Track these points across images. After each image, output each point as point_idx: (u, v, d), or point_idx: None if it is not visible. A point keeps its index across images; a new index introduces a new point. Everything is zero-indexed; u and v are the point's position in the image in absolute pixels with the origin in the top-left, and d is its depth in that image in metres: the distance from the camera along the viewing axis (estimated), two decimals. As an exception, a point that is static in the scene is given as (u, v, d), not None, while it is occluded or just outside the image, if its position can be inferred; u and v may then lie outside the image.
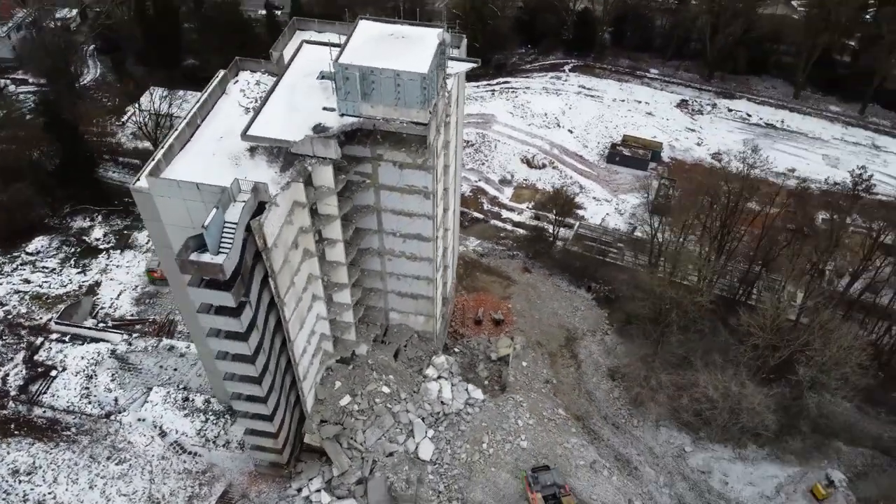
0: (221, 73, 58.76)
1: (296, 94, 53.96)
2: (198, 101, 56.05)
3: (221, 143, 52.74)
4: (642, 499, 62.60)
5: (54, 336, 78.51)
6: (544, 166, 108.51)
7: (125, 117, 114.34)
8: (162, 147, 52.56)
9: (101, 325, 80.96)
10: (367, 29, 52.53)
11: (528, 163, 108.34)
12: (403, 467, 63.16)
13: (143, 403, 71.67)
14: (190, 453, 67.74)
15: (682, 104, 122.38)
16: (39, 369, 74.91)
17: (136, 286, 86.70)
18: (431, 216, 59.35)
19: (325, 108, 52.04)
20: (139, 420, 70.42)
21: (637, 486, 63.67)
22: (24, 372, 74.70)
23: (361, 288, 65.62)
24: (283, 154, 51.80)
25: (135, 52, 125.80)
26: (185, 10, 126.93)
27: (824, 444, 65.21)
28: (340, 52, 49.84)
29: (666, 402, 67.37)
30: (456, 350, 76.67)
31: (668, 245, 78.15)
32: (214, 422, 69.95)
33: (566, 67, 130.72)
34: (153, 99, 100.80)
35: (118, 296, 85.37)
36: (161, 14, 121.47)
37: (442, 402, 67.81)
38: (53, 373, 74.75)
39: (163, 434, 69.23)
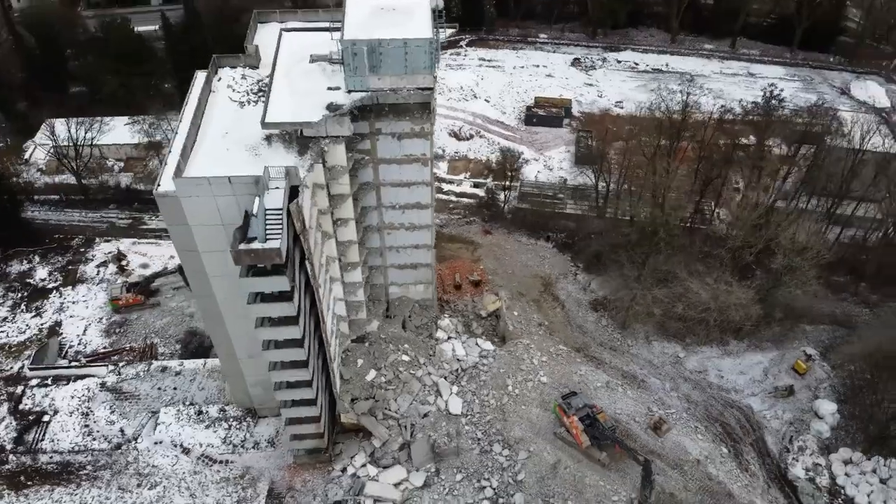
0: (200, 73, 58.63)
1: (293, 79, 55.09)
2: (186, 102, 56.06)
3: (230, 138, 53.08)
4: (657, 404, 68.99)
5: (34, 382, 74.32)
6: (471, 137, 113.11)
7: (27, 154, 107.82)
8: (169, 151, 52.35)
9: (73, 363, 77.47)
10: (355, 6, 54.48)
11: (456, 136, 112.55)
12: (441, 424, 66.12)
13: (154, 427, 69.78)
14: (221, 462, 67.04)
15: (576, 62, 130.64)
16: (30, 417, 70.99)
17: (101, 318, 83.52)
18: (429, 183, 62.29)
19: (329, 88, 53.68)
20: (156, 443, 68.64)
21: (649, 395, 70.06)
22: (13, 423, 70.55)
23: (368, 266, 67.49)
24: (295, 139, 52.96)
25: (17, 86, 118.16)
26: (68, 37, 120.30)
27: (794, 328, 74.52)
28: (342, 30, 51.63)
29: (654, 318, 74.16)
30: (447, 315, 79.85)
31: (612, 186, 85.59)
32: (237, 427, 69.43)
33: (462, 43, 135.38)
34: (69, 129, 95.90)
35: (84, 331, 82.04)
36: (42, 43, 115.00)
37: (457, 359, 71.14)
38: (46, 418, 71.06)
39: (186, 451, 67.92)
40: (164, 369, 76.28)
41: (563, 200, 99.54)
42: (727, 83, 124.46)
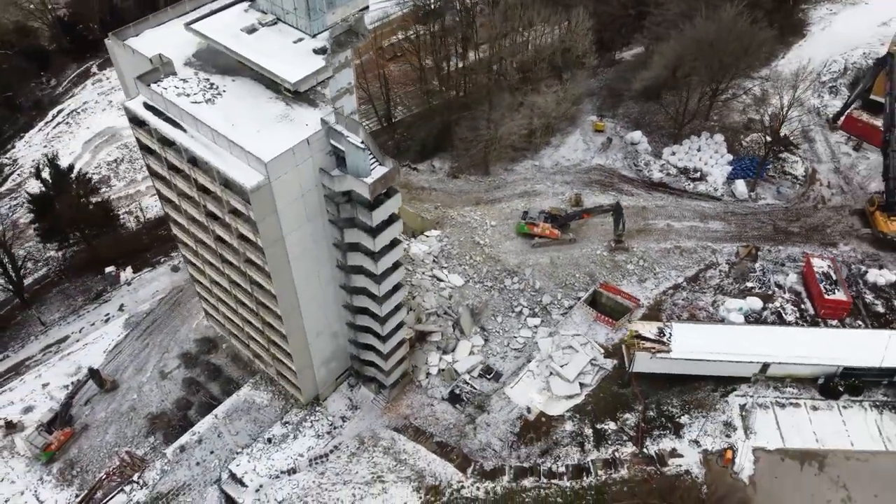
0: (131, 103, 54.74)
1: (255, 49, 55.47)
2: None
3: (249, 123, 52.70)
4: (557, 196, 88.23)
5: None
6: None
7: None
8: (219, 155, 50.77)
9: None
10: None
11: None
12: (457, 297, 76.48)
13: (228, 482, 65.51)
14: (332, 452, 67.08)
15: None
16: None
17: (41, 479, 69.78)
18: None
19: (294, 42, 56.48)
20: (258, 490, 65.02)
21: (546, 196, 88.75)
22: None
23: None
24: (297, 96, 54.99)
25: None
26: None
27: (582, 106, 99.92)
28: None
29: (507, 152, 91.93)
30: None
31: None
32: (314, 420, 69.25)
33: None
34: None
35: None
36: None
37: (428, 253, 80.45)
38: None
39: (292, 471, 65.97)
40: (182, 449, 69.59)
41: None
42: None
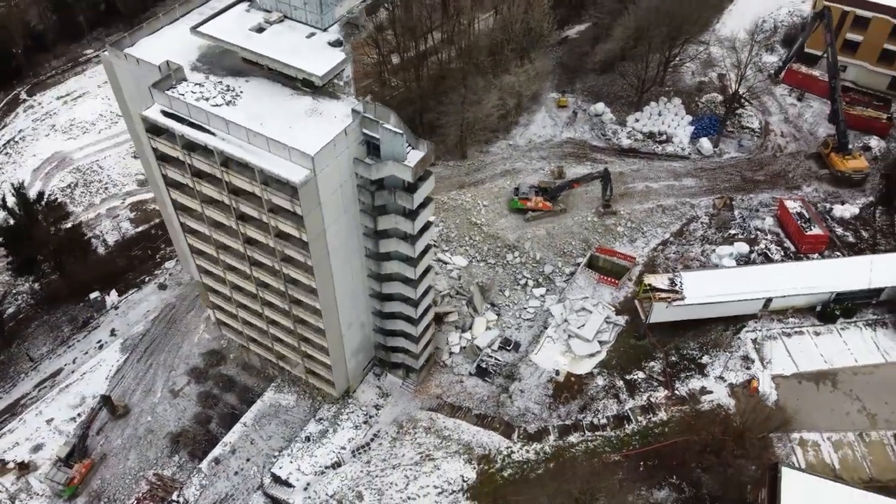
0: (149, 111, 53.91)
1: (269, 50, 55.59)
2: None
3: (278, 121, 52.86)
4: (536, 171, 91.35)
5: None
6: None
7: None
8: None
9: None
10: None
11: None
12: (466, 277, 78.48)
13: (273, 486, 65.51)
14: (373, 440, 67.93)
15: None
16: None
17: (74, 509, 67.80)
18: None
19: (307, 37, 56.97)
20: (305, 488, 65.18)
21: (525, 173, 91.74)
22: None
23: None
24: (316, 90, 55.55)
25: None
26: None
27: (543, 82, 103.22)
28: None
29: (483, 133, 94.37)
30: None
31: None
32: (349, 413, 69.83)
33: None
34: None
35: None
36: None
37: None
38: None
39: (336, 465, 66.39)
40: (217, 461, 68.90)
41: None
42: None
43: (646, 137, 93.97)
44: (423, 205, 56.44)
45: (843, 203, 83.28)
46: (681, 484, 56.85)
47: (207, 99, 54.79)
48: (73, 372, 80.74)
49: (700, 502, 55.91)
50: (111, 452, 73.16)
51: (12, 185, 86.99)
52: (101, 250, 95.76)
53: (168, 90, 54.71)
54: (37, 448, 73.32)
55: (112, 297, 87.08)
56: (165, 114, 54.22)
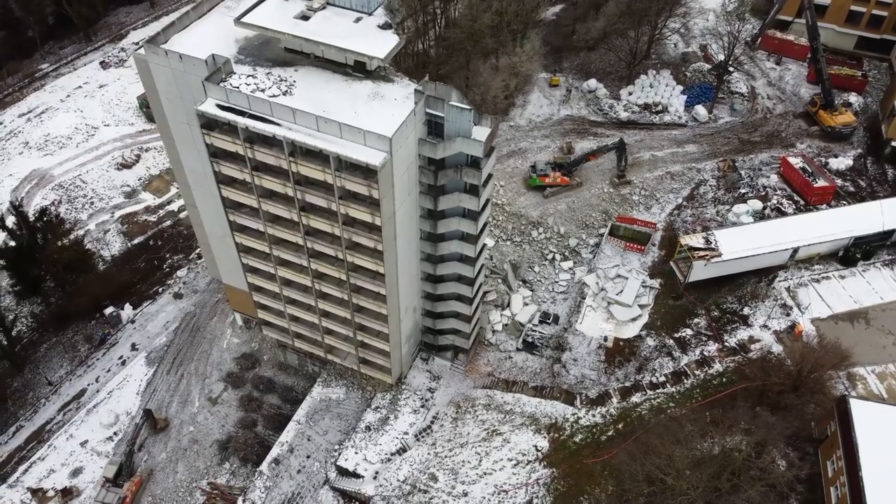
0: (203, 106, 52.56)
1: (324, 36, 54.78)
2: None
3: (341, 106, 52.26)
4: (543, 149, 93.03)
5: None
6: (138, 158, 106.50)
7: None
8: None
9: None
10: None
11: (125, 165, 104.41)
12: (497, 256, 79.35)
13: (339, 479, 65.02)
14: (434, 421, 68.02)
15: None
16: None
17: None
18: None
19: (355, 21, 56.51)
20: (375, 476, 64.85)
21: (531, 153, 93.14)
22: None
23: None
24: (369, 74, 55.28)
25: None
26: None
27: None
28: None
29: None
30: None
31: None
32: (406, 399, 69.73)
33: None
34: None
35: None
36: None
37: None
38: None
39: (403, 450, 66.25)
40: (277, 462, 67.72)
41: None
42: None
43: (642, 109, 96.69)
44: (487, 180, 56.94)
45: (836, 156, 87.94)
46: (750, 428, 59.32)
47: (263, 90, 53.82)
48: (97, 391, 77.69)
49: (771, 443, 58.44)
50: (157, 467, 71.04)
51: (11, 203, 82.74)
52: (100, 266, 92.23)
53: (220, 83, 53.47)
54: (76, 472, 70.44)
55: (127, 312, 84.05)
56: (221, 107, 53.00)
